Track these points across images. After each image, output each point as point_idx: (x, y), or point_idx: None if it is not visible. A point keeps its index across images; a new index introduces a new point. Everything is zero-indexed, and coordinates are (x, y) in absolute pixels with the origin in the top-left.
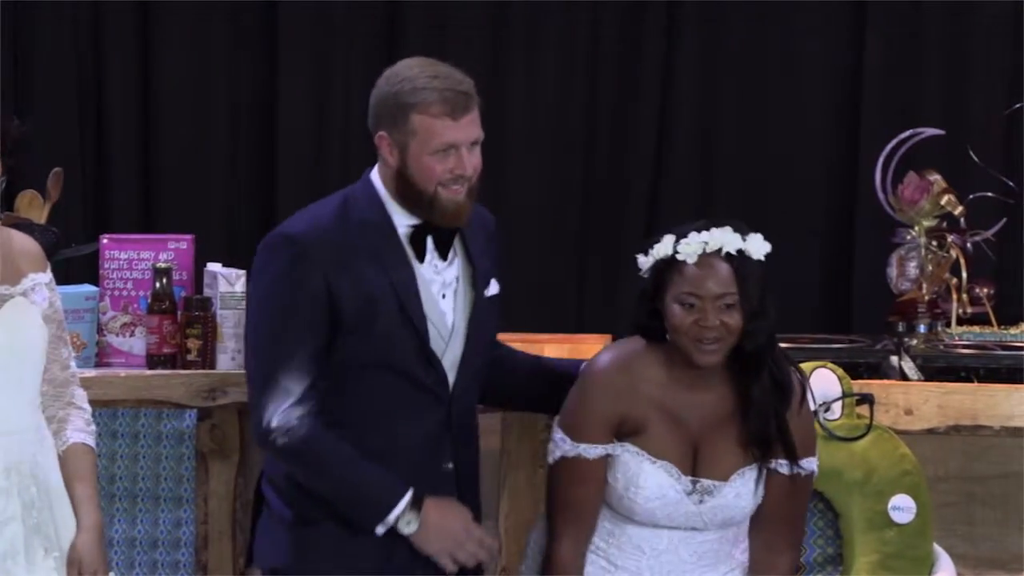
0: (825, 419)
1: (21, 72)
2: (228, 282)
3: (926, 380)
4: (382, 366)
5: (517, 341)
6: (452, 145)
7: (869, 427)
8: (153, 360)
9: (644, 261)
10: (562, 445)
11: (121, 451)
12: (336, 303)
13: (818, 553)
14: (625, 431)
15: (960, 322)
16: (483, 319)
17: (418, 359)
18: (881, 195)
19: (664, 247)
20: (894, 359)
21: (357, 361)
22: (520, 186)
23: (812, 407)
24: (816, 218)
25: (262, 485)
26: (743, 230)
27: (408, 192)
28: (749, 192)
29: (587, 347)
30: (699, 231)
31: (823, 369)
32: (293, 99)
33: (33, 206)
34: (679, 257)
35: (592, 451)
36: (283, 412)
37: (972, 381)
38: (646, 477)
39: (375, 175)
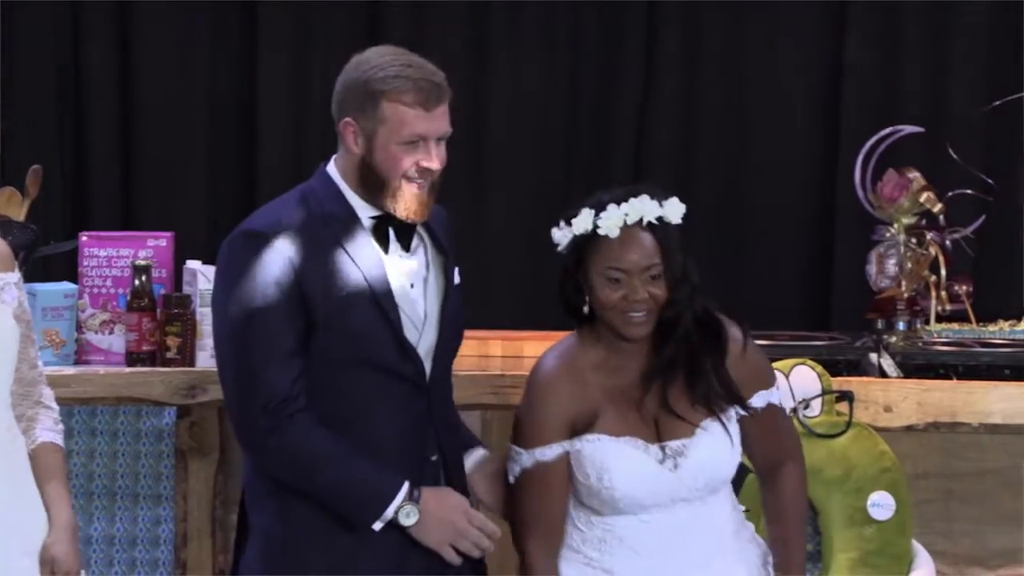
0: (804, 416)
1: None
2: (208, 279)
3: (905, 377)
4: (358, 359)
5: (498, 339)
6: (422, 137)
7: (848, 424)
8: (132, 358)
9: (560, 235)
10: (519, 459)
11: (100, 449)
12: (307, 297)
13: None
14: (580, 428)
15: (939, 319)
16: (455, 307)
17: (394, 350)
18: (860, 192)
19: (583, 221)
20: (873, 356)
21: (333, 356)
22: (500, 185)
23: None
24: (796, 215)
25: (248, 507)
26: (659, 195)
27: (370, 182)
28: (730, 190)
29: None
30: (617, 203)
31: (802, 366)
32: (273, 97)
33: (12, 203)
34: (600, 232)
35: (548, 452)
36: (271, 411)
37: (951, 378)
38: (614, 458)
39: (331, 168)
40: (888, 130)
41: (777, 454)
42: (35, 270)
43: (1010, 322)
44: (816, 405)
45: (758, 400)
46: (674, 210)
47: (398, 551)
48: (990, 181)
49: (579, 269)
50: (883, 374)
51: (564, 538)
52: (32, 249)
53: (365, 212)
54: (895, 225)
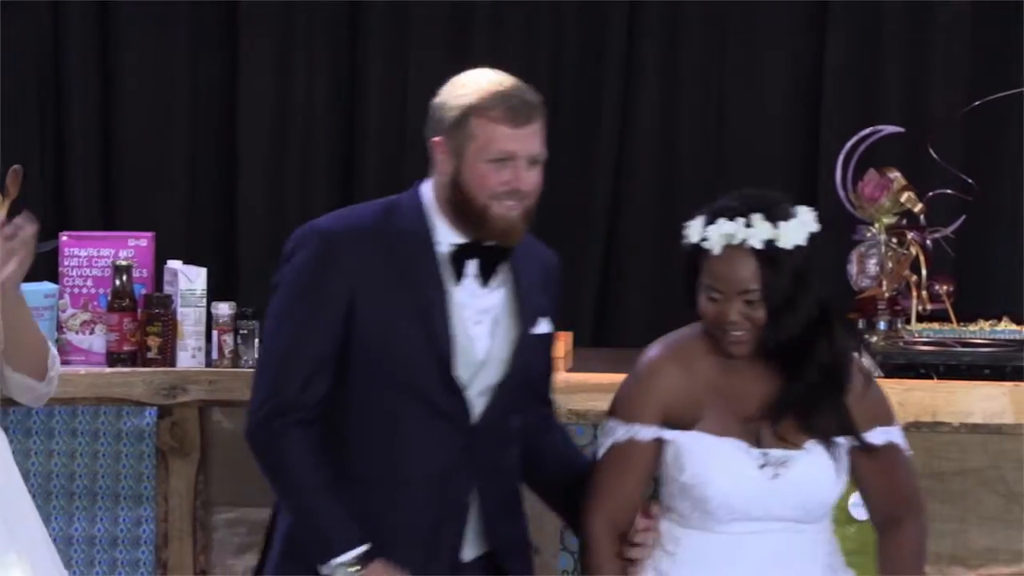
0: None
1: None
2: (188, 279)
3: (886, 377)
4: (399, 387)
5: None
6: (511, 155)
7: None
8: (113, 358)
9: (688, 232)
10: (614, 431)
11: (81, 449)
12: (355, 309)
13: None
14: (679, 420)
15: (920, 319)
16: (527, 356)
17: (437, 383)
18: (841, 192)
19: (694, 230)
20: (854, 356)
21: (375, 375)
22: None
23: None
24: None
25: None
26: (778, 214)
27: (458, 202)
28: (710, 190)
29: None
30: (730, 217)
31: None
32: (253, 97)
33: None
34: (704, 245)
35: (645, 432)
36: (266, 414)
37: (932, 378)
38: (713, 455)
39: (425, 186)
40: (869, 130)
41: (896, 506)
42: None
43: (990, 322)
44: None
45: (877, 436)
46: (789, 235)
47: (422, 553)
48: (971, 181)
49: (691, 272)
50: None
51: (632, 527)
52: None
53: (447, 237)
54: (876, 225)
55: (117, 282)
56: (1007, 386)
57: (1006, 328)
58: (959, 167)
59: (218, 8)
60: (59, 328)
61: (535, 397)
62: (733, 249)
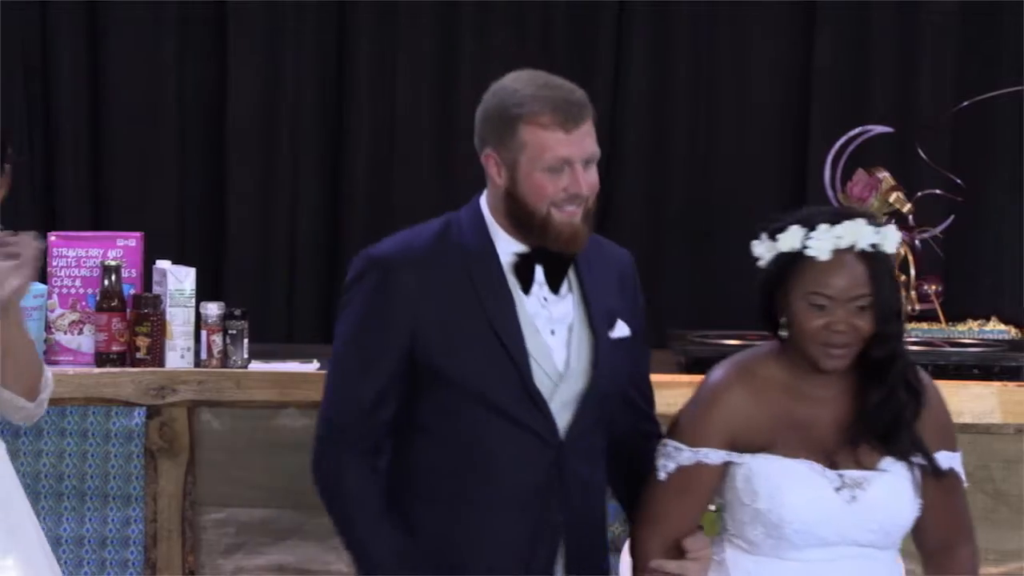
0: None
1: None
2: (177, 279)
3: None
4: (478, 404)
5: None
6: (566, 160)
7: None
8: (102, 358)
9: (763, 249)
10: (678, 455)
11: (69, 449)
12: (419, 334)
13: None
14: (745, 445)
15: (909, 319)
16: (610, 362)
17: (520, 399)
18: (830, 192)
19: (791, 239)
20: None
21: (448, 400)
22: (471, 187)
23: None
24: (765, 216)
25: None
26: (876, 221)
27: (518, 214)
28: (699, 191)
29: None
30: (831, 223)
31: None
32: (242, 96)
33: None
34: (808, 252)
35: (714, 456)
36: (326, 445)
37: None
38: (789, 478)
39: (482, 199)
40: (857, 130)
41: (951, 533)
42: None
43: (979, 322)
44: None
45: (943, 460)
46: (891, 239)
47: (526, 546)
48: (959, 181)
49: (779, 288)
50: None
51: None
52: None
53: (509, 247)
54: None
55: (106, 282)
56: (996, 386)
57: (995, 328)
58: (947, 167)
59: (207, 6)
60: (48, 328)
61: (629, 409)
62: (842, 253)
